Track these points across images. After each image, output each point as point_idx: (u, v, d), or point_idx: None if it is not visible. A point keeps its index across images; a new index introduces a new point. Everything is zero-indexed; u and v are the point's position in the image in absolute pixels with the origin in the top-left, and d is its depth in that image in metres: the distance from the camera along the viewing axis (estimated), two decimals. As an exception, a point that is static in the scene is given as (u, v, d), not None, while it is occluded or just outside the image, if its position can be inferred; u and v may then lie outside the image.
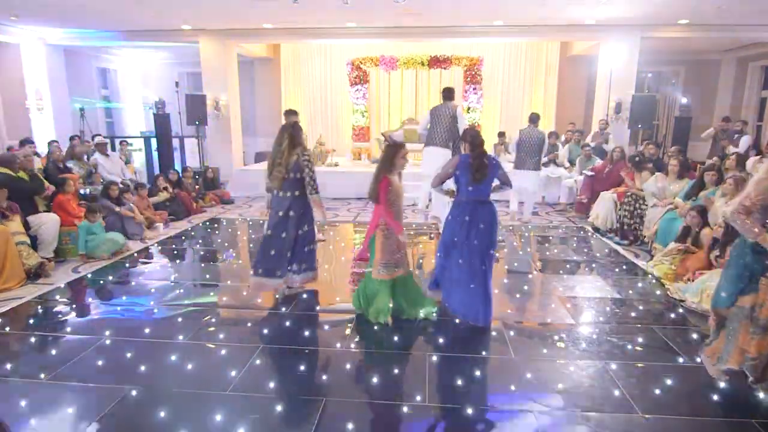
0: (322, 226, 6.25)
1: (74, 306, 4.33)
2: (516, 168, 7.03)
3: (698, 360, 3.26)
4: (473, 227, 3.69)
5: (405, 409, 2.76)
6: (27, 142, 7.54)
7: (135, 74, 13.34)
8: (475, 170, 3.65)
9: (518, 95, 11.53)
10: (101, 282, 4.86)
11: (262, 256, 4.23)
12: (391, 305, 3.86)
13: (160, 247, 6.13)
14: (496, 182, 3.86)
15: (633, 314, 4.07)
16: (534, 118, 7.07)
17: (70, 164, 7.14)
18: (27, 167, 5.66)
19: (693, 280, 4.39)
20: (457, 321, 3.82)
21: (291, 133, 4.11)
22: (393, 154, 3.70)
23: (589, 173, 7.68)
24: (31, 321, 3.95)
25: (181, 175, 8.65)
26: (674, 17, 8.14)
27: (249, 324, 3.92)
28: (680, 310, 4.13)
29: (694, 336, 3.65)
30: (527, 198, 7.36)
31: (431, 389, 2.94)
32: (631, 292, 4.57)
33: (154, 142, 9.85)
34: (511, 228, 7.08)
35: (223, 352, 3.40)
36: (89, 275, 5.02)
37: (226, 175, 10.12)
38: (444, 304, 3.98)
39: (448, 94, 6.33)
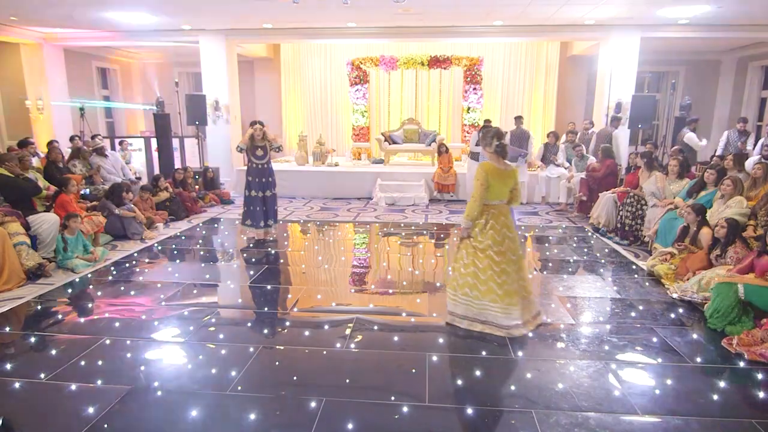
0: None
1: (74, 306, 4.33)
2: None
3: (698, 360, 3.27)
4: None
5: (405, 409, 2.76)
6: (26, 143, 7.53)
7: (135, 74, 13.32)
8: None
9: (518, 95, 11.53)
10: (101, 282, 4.86)
11: None
12: None
13: (160, 247, 6.13)
14: None
15: (633, 314, 4.07)
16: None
17: (75, 163, 7.14)
18: (15, 171, 5.53)
19: (693, 280, 4.38)
20: None
21: None
22: None
23: (584, 174, 7.78)
24: (31, 321, 3.95)
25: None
26: (674, 17, 8.14)
27: (249, 324, 3.93)
28: (680, 310, 4.13)
29: (694, 336, 3.65)
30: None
31: (431, 389, 2.94)
32: (631, 292, 4.57)
33: (154, 142, 9.85)
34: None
35: (223, 352, 3.40)
36: (89, 275, 5.02)
37: (226, 175, 10.12)
38: None
39: (518, 120, 8.79)
